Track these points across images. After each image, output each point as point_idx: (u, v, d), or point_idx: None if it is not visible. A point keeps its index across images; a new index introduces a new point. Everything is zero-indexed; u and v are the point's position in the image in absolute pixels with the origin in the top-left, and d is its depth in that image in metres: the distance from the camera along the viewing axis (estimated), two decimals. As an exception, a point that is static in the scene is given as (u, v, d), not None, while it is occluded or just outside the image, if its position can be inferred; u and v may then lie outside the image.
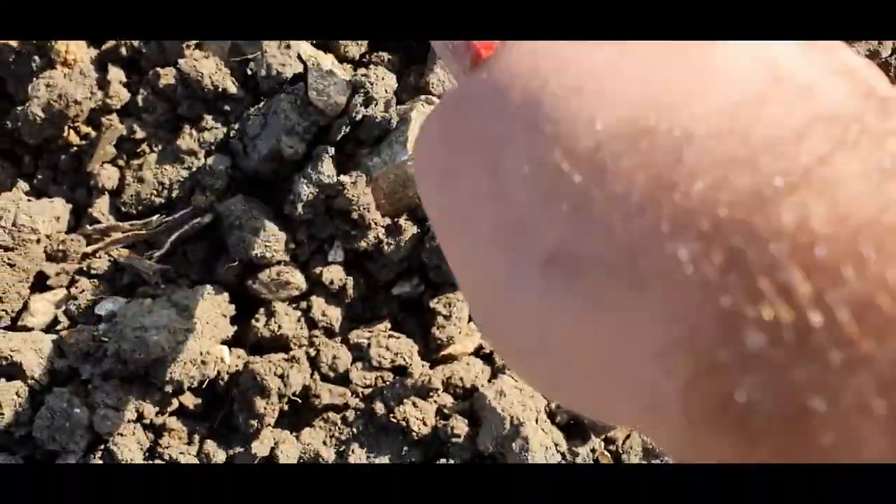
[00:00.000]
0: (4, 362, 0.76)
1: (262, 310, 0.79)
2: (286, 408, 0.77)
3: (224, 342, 0.78)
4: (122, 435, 0.74)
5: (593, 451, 0.77)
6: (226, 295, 0.80)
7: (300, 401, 0.76)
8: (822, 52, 0.19)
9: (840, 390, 0.13)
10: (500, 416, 0.74)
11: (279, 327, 0.77)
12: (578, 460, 0.74)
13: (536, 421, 0.75)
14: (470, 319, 0.80)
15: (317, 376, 0.77)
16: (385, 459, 0.75)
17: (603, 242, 0.17)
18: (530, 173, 0.19)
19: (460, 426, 0.76)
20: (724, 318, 0.14)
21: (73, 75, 0.78)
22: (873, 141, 0.15)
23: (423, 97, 0.79)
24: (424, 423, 0.76)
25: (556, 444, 0.75)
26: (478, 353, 0.82)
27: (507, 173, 0.20)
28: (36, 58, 0.80)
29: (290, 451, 0.75)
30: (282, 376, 0.75)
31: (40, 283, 0.79)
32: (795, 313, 0.13)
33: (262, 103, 0.80)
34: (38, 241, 0.79)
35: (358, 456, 0.75)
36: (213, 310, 0.78)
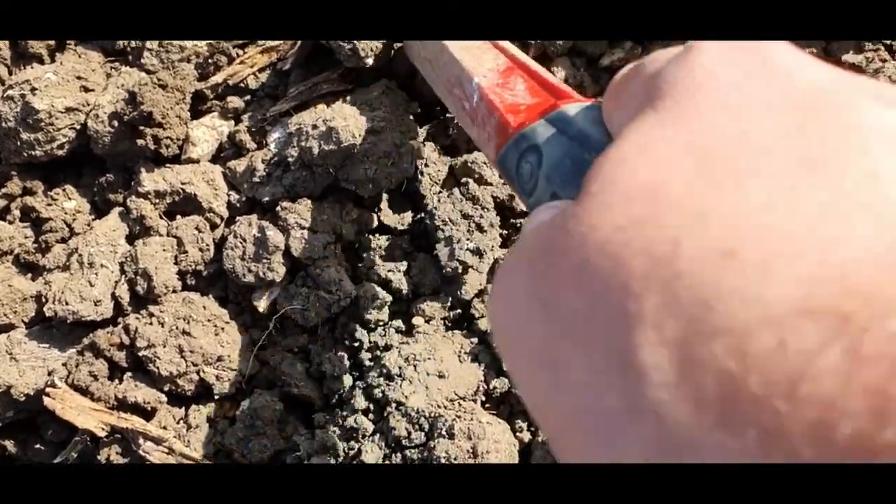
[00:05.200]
0: (177, 197, 0.67)
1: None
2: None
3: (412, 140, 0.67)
4: (324, 258, 0.65)
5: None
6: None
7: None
8: None
9: None
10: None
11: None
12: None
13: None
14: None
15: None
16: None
17: None
18: (680, 375, 0.15)
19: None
20: None
21: None
22: None
23: None
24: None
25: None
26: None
27: (644, 374, 0.16)
28: None
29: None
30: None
31: (196, 110, 0.69)
32: None
33: None
34: (189, 59, 0.69)
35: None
36: (398, 107, 0.66)
